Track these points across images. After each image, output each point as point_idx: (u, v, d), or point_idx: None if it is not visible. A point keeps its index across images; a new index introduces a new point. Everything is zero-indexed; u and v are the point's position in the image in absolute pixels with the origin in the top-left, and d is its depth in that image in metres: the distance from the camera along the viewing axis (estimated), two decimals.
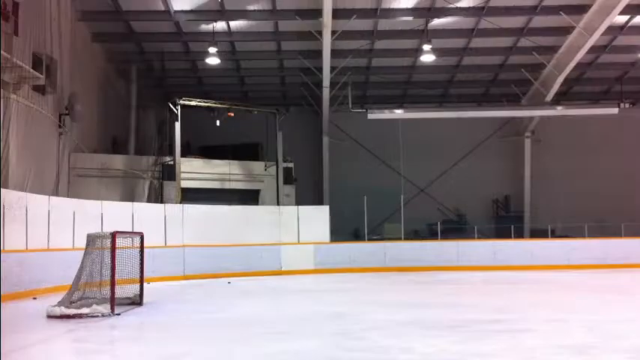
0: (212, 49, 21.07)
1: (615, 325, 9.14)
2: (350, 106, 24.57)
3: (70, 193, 18.24)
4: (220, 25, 20.84)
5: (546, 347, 7.30)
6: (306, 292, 14.97)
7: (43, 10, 16.42)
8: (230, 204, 20.59)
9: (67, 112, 18.11)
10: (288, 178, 23.50)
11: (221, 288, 15.98)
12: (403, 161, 26.85)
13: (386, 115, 25.14)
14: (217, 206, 19.91)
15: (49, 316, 9.95)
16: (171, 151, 21.51)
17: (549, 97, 24.72)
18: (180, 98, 20.58)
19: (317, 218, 20.89)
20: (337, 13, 19.37)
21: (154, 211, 18.53)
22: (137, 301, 11.61)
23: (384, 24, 21.25)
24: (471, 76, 26.12)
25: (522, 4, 20.20)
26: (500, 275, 18.45)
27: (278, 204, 22.03)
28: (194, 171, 21.81)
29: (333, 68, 22.77)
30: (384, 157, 27.82)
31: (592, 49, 21.76)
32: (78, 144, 19.59)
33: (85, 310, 10.06)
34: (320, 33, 20.13)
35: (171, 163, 21.03)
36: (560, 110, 25.01)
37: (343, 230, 22.38)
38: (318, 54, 21.85)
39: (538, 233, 24.83)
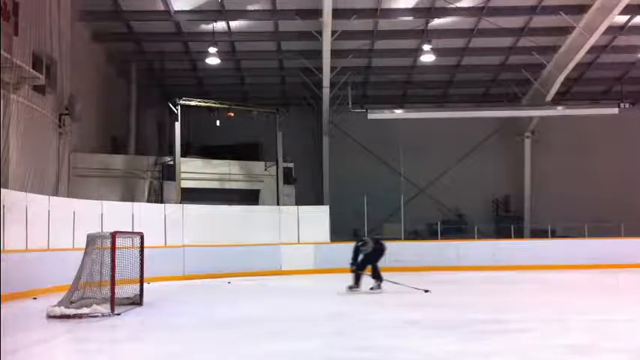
0: (212, 49, 21.07)
1: (615, 325, 9.14)
2: (350, 106, 24.55)
3: (70, 193, 18.23)
4: (220, 25, 20.82)
5: (546, 347, 7.30)
6: (306, 292, 14.97)
7: (43, 10, 16.40)
8: (230, 204, 20.57)
9: (67, 112, 18.09)
10: (288, 178, 23.48)
11: (221, 288, 15.97)
12: (403, 161, 26.85)
13: (386, 115, 25.13)
14: (217, 206, 19.90)
15: (49, 316, 9.93)
16: (171, 151, 21.51)
17: (549, 97, 24.72)
18: (180, 98, 20.57)
19: (317, 218, 20.88)
20: (337, 13, 19.35)
21: (154, 211, 18.52)
22: (137, 301, 11.59)
23: (384, 24, 21.24)
24: (471, 76, 26.13)
25: (522, 4, 20.20)
26: (500, 275, 18.45)
27: (278, 204, 22.02)
28: (194, 171, 21.80)
29: (333, 68, 22.76)
30: (384, 157, 27.80)
31: (592, 49, 21.75)
32: (78, 144, 19.60)
33: (85, 310, 10.05)
34: (320, 33, 20.13)
35: (171, 163, 21.02)
36: (560, 110, 24.99)
37: (343, 230, 22.38)
38: (318, 54, 21.85)
39: (538, 233, 24.82)
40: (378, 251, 13.85)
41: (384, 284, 13.75)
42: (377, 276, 13.79)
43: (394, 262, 14.65)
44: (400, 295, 13.19)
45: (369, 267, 13.83)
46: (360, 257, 13.73)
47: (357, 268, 13.70)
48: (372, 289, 13.67)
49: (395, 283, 13.68)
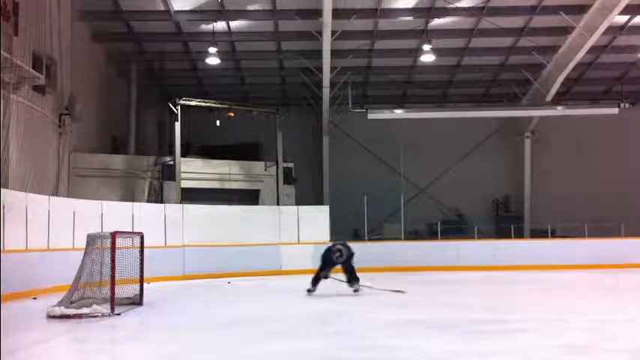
0: (212, 49, 21.07)
1: (615, 325, 9.15)
2: (350, 106, 24.55)
3: (70, 193, 18.23)
4: (220, 25, 20.83)
5: (546, 347, 7.31)
6: (305, 292, 14.93)
7: (43, 10, 16.40)
8: (230, 204, 20.56)
9: (67, 112, 18.10)
10: (288, 178, 23.48)
11: (221, 288, 15.98)
12: (403, 161, 26.85)
13: (386, 115, 25.12)
14: (217, 206, 19.89)
15: (49, 316, 9.94)
16: (171, 151, 21.51)
17: (549, 97, 24.71)
18: (180, 98, 20.56)
19: (317, 218, 20.86)
20: (337, 13, 19.35)
21: (154, 211, 18.51)
22: (137, 301, 11.60)
23: (384, 24, 21.25)
24: (471, 76, 26.12)
25: (522, 4, 20.20)
26: (500, 275, 18.44)
27: (278, 204, 22.02)
28: (194, 171, 21.80)
29: (333, 68, 22.75)
30: (384, 157, 27.81)
31: (592, 49, 21.74)
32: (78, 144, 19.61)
33: (85, 310, 10.05)
34: (320, 33, 20.13)
35: (171, 163, 21.02)
36: (560, 110, 24.98)
37: (343, 230, 22.38)
38: (318, 54, 21.84)
39: (538, 233, 24.81)
40: (351, 256, 13.55)
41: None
42: (355, 277, 13.46)
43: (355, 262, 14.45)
44: (399, 295, 13.20)
45: (335, 268, 13.54)
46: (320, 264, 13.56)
47: (322, 271, 13.49)
48: (355, 291, 13.30)
49: (367, 286, 13.39)
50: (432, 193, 28.16)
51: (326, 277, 13.54)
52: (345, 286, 13.48)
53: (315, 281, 13.45)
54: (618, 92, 26.75)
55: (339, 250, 13.41)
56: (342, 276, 13.65)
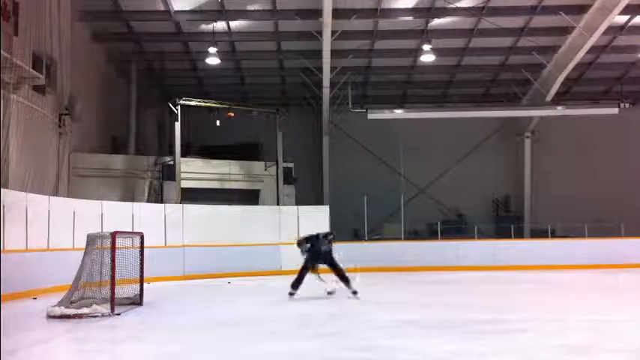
0: (212, 49, 21.08)
1: (615, 325, 9.15)
2: (350, 106, 24.55)
3: (70, 193, 18.24)
4: (220, 25, 20.83)
5: (546, 347, 7.31)
6: (305, 292, 14.95)
7: (43, 10, 16.40)
8: (230, 204, 20.57)
9: (67, 112, 18.10)
10: (288, 178, 23.48)
11: (221, 288, 15.98)
12: (403, 161, 26.86)
13: (386, 115, 25.12)
14: (217, 206, 19.90)
15: (49, 316, 9.94)
16: (171, 151, 21.52)
17: (549, 97, 24.72)
18: (180, 98, 20.57)
19: (317, 218, 20.81)
20: (337, 13, 19.36)
21: (154, 211, 18.51)
22: (137, 301, 11.60)
23: (384, 24, 21.25)
24: (471, 76, 26.12)
25: (522, 4, 20.21)
26: (500, 275, 18.44)
27: (278, 204, 22.02)
28: (194, 171, 21.80)
29: (333, 68, 22.76)
30: (384, 157, 27.81)
31: (592, 49, 21.75)
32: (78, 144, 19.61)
33: (85, 310, 10.05)
34: (320, 33, 20.13)
35: (171, 163, 21.03)
36: (560, 110, 24.98)
37: (343, 230, 22.36)
38: (318, 54, 21.85)
39: (538, 233, 24.82)
40: (330, 249, 12.80)
41: (320, 282, 12.81)
42: (345, 278, 12.63)
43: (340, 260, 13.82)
44: (399, 294, 13.20)
45: (319, 268, 12.80)
46: (306, 256, 12.79)
47: (306, 268, 12.77)
48: (354, 293, 12.42)
49: (323, 280, 12.85)
50: (432, 193, 28.16)
51: (307, 269, 12.73)
52: (328, 287, 13.05)
53: (297, 283, 12.68)
54: (618, 92, 26.75)
55: (329, 234, 12.91)
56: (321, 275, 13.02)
